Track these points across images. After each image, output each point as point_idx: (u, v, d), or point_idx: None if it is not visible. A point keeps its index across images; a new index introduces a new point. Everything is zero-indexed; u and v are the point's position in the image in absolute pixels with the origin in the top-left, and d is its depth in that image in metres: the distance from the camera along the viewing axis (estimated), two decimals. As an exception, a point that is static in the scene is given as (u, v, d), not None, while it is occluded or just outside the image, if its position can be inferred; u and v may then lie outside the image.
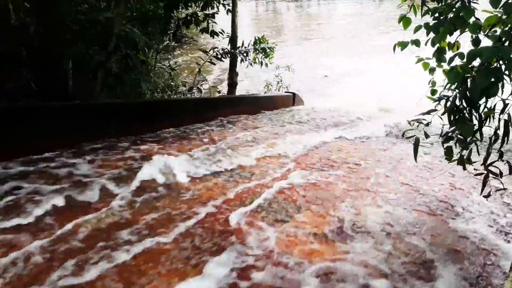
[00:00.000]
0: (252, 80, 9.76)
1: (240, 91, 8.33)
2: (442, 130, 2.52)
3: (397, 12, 2.69)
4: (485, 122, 2.34)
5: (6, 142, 3.65)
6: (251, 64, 7.22)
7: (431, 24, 2.39)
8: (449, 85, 2.35)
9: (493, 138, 2.40)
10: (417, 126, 2.51)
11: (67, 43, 5.93)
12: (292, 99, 7.99)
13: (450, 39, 2.51)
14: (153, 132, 4.85)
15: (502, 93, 2.15)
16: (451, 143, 2.49)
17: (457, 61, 2.29)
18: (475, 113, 2.29)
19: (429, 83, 2.70)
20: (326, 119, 6.70)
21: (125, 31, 4.68)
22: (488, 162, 2.45)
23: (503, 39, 2.05)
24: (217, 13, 6.85)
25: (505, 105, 2.21)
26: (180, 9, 6.02)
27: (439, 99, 2.43)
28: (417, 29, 2.46)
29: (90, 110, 4.46)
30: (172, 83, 6.92)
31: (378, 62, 11.87)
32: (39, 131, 3.96)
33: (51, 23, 5.75)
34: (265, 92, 8.34)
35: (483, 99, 2.20)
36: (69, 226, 2.66)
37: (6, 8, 6.09)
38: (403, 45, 2.63)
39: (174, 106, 5.43)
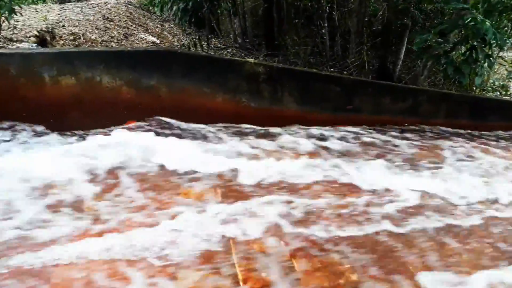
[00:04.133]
0: None
1: None
2: None
3: None
4: None
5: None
6: None
7: None
8: None
9: None
10: None
11: (406, 29, 6.28)
12: None
13: None
14: (480, 130, 4.62)
15: None
16: None
17: None
18: None
19: None
20: None
21: (475, 22, 4.48)
22: None
23: None
24: None
25: None
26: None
27: None
28: None
29: (418, 94, 4.65)
30: (508, 83, 6.26)
31: None
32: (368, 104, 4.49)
33: (398, 9, 6.18)
34: None
35: None
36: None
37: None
38: None
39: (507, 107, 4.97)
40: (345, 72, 6.86)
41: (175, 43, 6.38)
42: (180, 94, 3.97)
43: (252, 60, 4.24)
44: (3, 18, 4.11)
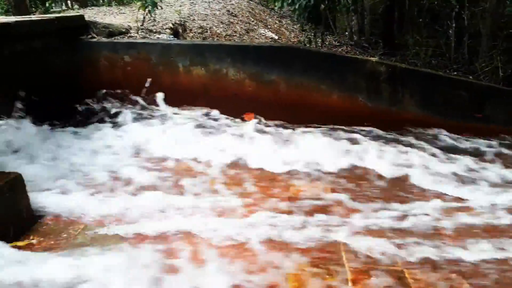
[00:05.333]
0: None
1: None
2: None
3: None
4: None
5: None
6: None
7: None
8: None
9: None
10: None
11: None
12: None
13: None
14: None
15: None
16: None
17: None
18: None
19: None
20: None
21: None
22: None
23: None
24: None
25: None
26: None
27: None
28: None
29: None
30: None
31: None
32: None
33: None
34: None
35: None
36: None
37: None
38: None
39: None
40: (470, 77, 6.31)
41: (292, 39, 6.49)
42: (298, 89, 4.05)
43: (374, 59, 4.13)
44: (146, 11, 4.61)
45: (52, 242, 2.33)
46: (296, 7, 6.11)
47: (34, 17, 3.75)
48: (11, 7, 5.50)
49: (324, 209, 2.62)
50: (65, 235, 2.41)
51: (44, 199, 2.76)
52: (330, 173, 3.13)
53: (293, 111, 4.03)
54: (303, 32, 7.06)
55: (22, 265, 2.09)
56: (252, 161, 3.25)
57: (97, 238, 2.36)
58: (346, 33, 7.70)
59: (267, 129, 3.84)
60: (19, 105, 3.37)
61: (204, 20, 5.64)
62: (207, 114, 3.91)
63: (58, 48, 3.72)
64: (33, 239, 2.35)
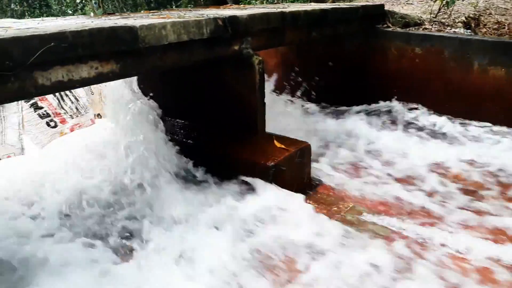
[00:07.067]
0: None
1: None
2: None
3: None
4: None
5: None
6: None
7: None
8: None
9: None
10: None
11: None
12: None
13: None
14: None
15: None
16: None
17: None
18: None
19: None
20: None
21: None
22: None
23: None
24: None
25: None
26: None
27: None
28: None
29: None
30: None
31: None
32: None
33: None
34: None
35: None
36: None
37: None
38: None
39: None
40: None
41: None
42: None
43: None
44: (444, 2, 4.37)
45: (325, 211, 2.56)
46: None
47: (342, 4, 4.10)
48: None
49: None
50: (335, 208, 2.61)
51: (319, 170, 3.07)
52: None
53: None
54: None
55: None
56: None
57: (363, 222, 2.45)
58: None
59: None
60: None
61: (503, 15, 4.97)
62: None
63: (355, 35, 3.96)
64: (309, 203, 2.63)
